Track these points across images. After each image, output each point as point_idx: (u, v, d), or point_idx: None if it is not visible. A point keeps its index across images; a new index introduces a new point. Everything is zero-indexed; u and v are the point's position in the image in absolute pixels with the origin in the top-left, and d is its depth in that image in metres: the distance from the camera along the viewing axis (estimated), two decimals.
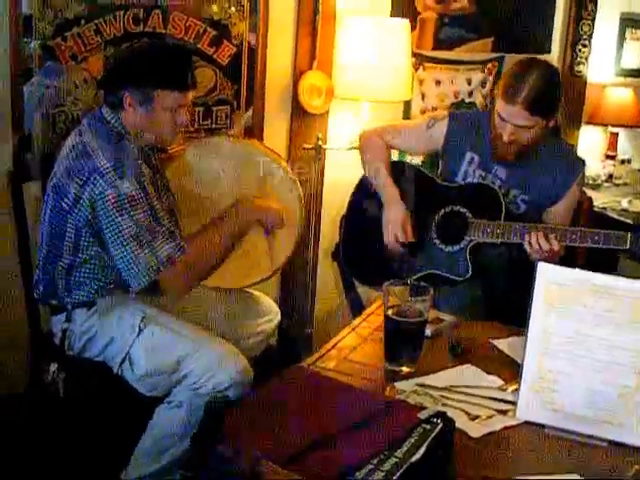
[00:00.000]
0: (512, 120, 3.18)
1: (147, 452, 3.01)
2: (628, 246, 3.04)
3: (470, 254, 3.31)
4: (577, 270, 2.16)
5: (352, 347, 2.62)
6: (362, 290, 3.81)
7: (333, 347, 2.62)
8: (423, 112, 4.47)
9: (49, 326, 3.18)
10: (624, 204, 4.67)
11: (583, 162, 3.48)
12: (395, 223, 3.40)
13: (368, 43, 3.96)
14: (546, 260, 3.00)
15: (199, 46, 3.90)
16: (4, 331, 3.64)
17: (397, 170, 3.58)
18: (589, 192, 4.36)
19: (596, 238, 3.09)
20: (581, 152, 5.05)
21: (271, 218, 3.27)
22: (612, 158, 5.32)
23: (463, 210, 3.38)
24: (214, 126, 4.06)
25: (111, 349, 3.00)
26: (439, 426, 1.86)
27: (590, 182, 5.02)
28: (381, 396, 2.14)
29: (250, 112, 4.16)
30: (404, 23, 4.06)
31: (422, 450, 1.76)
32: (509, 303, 3.20)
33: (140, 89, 2.92)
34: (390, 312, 2.41)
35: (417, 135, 3.63)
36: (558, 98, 3.26)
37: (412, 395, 2.24)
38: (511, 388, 2.30)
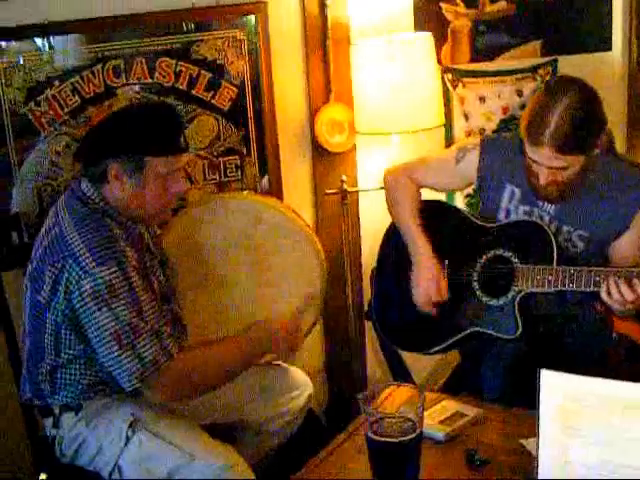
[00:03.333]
0: (542, 162, 2.72)
1: None
2: None
3: (520, 307, 2.84)
4: (598, 380, 1.58)
5: (341, 466, 2.15)
6: None
7: (322, 461, 2.21)
8: (469, 135, 3.95)
9: None
10: None
11: None
12: (426, 281, 3.01)
13: (385, 66, 3.48)
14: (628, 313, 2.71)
15: (194, 92, 3.51)
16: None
17: (430, 211, 3.16)
18: None
19: None
20: None
21: (282, 347, 2.93)
22: None
23: (508, 254, 2.92)
24: (224, 179, 3.65)
25: (101, 458, 2.75)
26: None
27: None
28: None
29: (264, 159, 3.74)
30: (425, 37, 3.58)
31: None
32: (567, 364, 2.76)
33: (127, 158, 2.65)
34: (371, 430, 1.90)
35: (447, 170, 3.19)
36: (597, 125, 2.74)
37: None
38: None
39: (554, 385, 1.63)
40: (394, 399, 2.05)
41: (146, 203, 2.72)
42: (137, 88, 3.40)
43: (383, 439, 1.90)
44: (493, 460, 2.09)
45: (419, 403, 1.94)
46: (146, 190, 2.68)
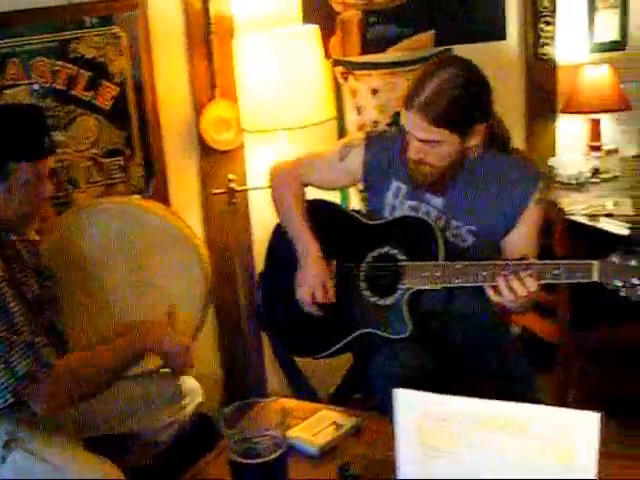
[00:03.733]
0: (413, 131, 2.62)
1: None
2: (597, 279, 2.38)
3: (409, 306, 2.71)
4: (459, 398, 1.49)
5: None
6: None
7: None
8: (361, 128, 3.85)
9: None
10: (609, 206, 3.90)
11: (540, 175, 2.84)
12: (312, 280, 2.85)
13: (269, 60, 3.36)
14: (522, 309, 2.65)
15: (73, 92, 3.39)
16: None
17: (315, 211, 3.02)
18: (573, 195, 3.99)
19: (555, 272, 2.44)
20: (561, 147, 4.45)
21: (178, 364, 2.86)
22: (597, 149, 4.56)
23: (394, 252, 2.79)
24: (109, 182, 3.53)
25: None
26: None
27: (573, 182, 4.30)
28: None
29: (149, 159, 3.62)
30: (310, 29, 3.47)
31: None
32: (468, 365, 2.81)
33: None
34: (233, 451, 1.79)
35: (331, 167, 3.03)
36: (474, 109, 2.62)
37: None
38: None
39: (411, 405, 1.52)
40: (263, 416, 1.94)
41: (14, 210, 2.60)
42: (37, 87, 3.32)
43: (245, 461, 1.79)
44: (365, 474, 1.98)
45: (283, 419, 1.84)
46: (13, 196, 2.57)
